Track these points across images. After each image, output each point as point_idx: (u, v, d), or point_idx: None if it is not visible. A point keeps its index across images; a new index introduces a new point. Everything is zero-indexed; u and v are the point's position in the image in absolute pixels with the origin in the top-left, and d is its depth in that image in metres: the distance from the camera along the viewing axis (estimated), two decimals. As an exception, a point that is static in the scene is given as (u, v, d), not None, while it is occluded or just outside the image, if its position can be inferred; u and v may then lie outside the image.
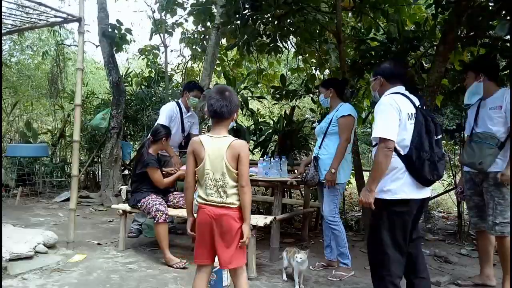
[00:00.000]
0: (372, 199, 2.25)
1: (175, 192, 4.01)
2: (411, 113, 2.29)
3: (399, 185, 2.27)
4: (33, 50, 11.22)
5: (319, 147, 3.43)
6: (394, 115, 2.24)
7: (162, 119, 4.31)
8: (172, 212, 3.65)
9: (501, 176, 2.80)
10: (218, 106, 2.10)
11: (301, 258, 2.91)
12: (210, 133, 2.17)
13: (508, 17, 3.24)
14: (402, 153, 2.28)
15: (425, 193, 2.36)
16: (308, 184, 3.55)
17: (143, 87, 7.83)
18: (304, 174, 3.48)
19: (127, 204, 3.94)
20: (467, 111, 3.29)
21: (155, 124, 4.22)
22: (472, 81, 3.02)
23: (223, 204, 2.10)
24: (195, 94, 4.45)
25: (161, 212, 3.46)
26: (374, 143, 2.38)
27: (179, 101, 4.57)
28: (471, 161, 2.92)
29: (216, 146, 2.10)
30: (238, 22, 4.67)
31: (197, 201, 2.20)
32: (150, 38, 8.23)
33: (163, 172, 3.88)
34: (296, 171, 4.03)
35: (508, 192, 2.80)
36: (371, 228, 2.44)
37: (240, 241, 2.11)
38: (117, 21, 6.44)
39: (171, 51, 9.03)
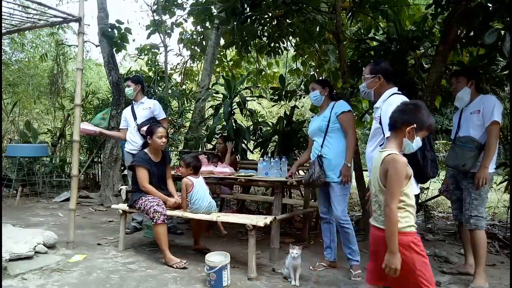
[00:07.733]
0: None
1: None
2: None
3: None
4: (32, 48, 11.21)
5: (321, 146, 3.36)
6: None
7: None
8: (170, 212, 3.63)
9: (477, 179, 3.00)
10: None
11: (296, 253, 2.95)
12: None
13: (508, 18, 3.25)
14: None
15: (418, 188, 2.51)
16: (314, 185, 3.43)
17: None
18: (307, 174, 3.37)
19: (126, 204, 3.94)
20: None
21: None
22: (463, 86, 3.24)
23: (380, 226, 1.88)
24: (126, 85, 4.56)
25: (159, 213, 3.45)
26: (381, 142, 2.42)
27: None
28: (455, 164, 3.16)
29: (377, 161, 1.88)
30: (236, 22, 4.66)
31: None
32: (148, 37, 8.27)
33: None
34: (296, 171, 3.99)
35: (484, 190, 3.07)
36: None
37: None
38: (117, 21, 6.43)
39: (170, 50, 9.04)
